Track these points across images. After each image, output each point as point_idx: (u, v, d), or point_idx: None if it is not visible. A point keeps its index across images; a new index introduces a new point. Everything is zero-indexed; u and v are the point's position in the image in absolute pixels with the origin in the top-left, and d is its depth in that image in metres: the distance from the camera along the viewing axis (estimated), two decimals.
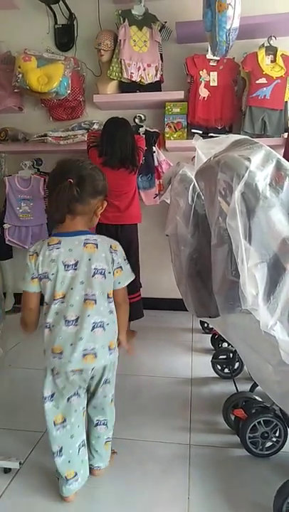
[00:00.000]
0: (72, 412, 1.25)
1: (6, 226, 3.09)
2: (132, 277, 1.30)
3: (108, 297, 1.23)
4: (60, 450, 1.24)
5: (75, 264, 1.18)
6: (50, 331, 1.20)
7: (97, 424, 1.32)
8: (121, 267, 1.25)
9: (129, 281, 1.29)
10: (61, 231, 1.21)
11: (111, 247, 1.24)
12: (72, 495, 1.26)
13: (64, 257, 1.18)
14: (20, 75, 2.77)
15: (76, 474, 1.25)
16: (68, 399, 1.24)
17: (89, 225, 1.25)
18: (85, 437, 1.31)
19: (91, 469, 1.34)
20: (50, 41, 3.13)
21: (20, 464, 1.39)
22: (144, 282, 2.74)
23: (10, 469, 1.39)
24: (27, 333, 1.33)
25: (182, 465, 1.44)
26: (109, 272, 1.22)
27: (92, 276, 1.19)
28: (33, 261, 1.20)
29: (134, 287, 2.55)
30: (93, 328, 1.19)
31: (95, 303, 1.19)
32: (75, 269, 1.18)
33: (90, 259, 1.19)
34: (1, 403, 1.89)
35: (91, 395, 1.30)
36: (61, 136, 2.95)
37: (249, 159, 1.04)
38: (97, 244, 1.21)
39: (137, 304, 2.59)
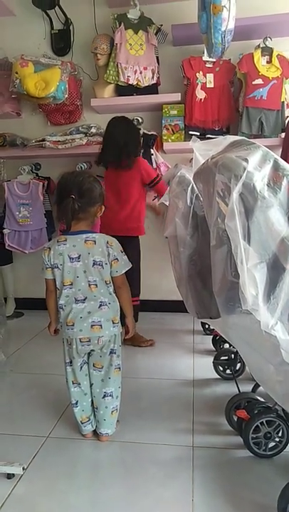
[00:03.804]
0: (84, 377, 1.56)
1: (5, 231, 3.09)
2: (129, 266, 1.54)
3: (106, 283, 1.50)
4: (76, 403, 1.57)
5: (78, 257, 1.47)
6: (63, 310, 1.51)
7: (104, 396, 1.55)
8: (117, 259, 1.50)
9: (126, 270, 1.54)
10: (68, 231, 1.50)
11: (107, 242, 1.50)
12: (89, 433, 1.61)
13: (69, 251, 1.47)
14: (17, 81, 2.78)
15: (89, 419, 1.59)
16: (81, 367, 1.55)
17: (90, 225, 1.53)
18: (90, 401, 1.59)
19: (100, 436, 1.59)
20: (47, 46, 3.15)
21: (23, 469, 1.39)
22: (144, 284, 2.75)
23: (13, 475, 1.38)
24: (52, 327, 1.63)
25: (185, 467, 1.43)
26: (106, 263, 1.48)
27: (92, 266, 1.47)
28: (46, 254, 1.50)
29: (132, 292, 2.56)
30: (100, 305, 1.49)
31: (97, 286, 1.49)
32: (79, 261, 1.47)
33: (89, 253, 1.47)
34: (3, 408, 1.89)
35: (100, 367, 1.55)
36: (59, 141, 2.96)
37: (246, 160, 1.04)
38: (95, 241, 1.48)
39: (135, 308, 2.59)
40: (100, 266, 1.47)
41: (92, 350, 1.52)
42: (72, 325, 1.48)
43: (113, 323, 1.51)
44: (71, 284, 1.48)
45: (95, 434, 1.62)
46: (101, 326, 1.48)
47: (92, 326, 1.48)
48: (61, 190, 1.48)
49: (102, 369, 1.54)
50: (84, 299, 1.48)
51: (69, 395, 1.58)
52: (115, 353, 1.54)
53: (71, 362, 1.55)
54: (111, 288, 1.52)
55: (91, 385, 1.57)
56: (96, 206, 1.50)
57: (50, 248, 1.50)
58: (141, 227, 2.62)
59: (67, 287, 1.48)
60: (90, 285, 1.48)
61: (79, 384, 1.56)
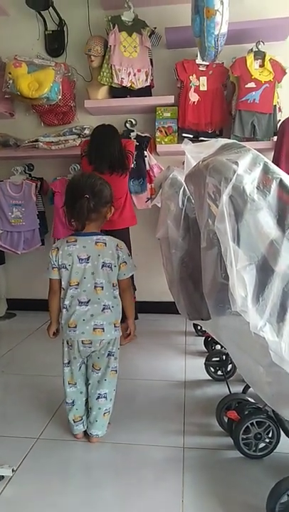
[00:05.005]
0: (81, 376, 1.58)
1: None
2: (134, 270, 1.59)
3: (113, 286, 1.52)
4: (73, 402, 1.58)
5: (88, 259, 1.49)
6: (66, 310, 1.51)
7: (98, 397, 1.56)
8: (125, 262, 1.54)
9: (132, 273, 1.57)
10: (79, 232, 1.52)
11: (117, 245, 1.53)
12: (80, 433, 1.60)
13: (78, 252, 1.49)
14: (10, 81, 2.78)
15: (81, 419, 1.60)
16: (79, 367, 1.57)
17: (100, 226, 1.56)
18: (84, 400, 1.60)
19: (90, 437, 1.59)
20: (41, 47, 3.15)
21: (13, 471, 1.38)
22: (136, 286, 2.75)
23: (3, 477, 1.38)
24: (51, 329, 1.61)
25: (176, 468, 1.44)
26: (115, 266, 1.51)
27: (101, 268, 1.49)
28: (54, 254, 1.51)
29: None
30: (103, 309, 1.50)
31: (102, 289, 1.49)
32: (88, 262, 1.49)
33: (99, 255, 1.49)
34: None
35: (98, 369, 1.55)
36: (52, 142, 2.96)
37: (237, 163, 1.05)
38: (105, 243, 1.51)
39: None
40: (109, 268, 1.50)
41: (93, 352, 1.54)
42: (75, 327, 1.49)
43: (114, 326, 1.53)
44: (77, 285, 1.49)
45: (86, 435, 1.61)
46: (103, 329, 1.49)
47: (94, 329, 1.49)
48: (73, 192, 1.50)
49: (100, 370, 1.56)
50: (87, 302, 1.49)
51: (65, 395, 1.59)
52: (113, 355, 1.56)
53: (69, 363, 1.56)
54: (116, 291, 1.53)
55: (88, 385, 1.59)
56: (107, 207, 1.53)
57: (58, 248, 1.51)
58: (134, 215, 2.75)
59: (72, 287, 1.49)
60: (95, 287, 1.49)
61: (75, 384, 1.58)
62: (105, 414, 1.58)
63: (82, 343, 1.50)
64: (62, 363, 1.58)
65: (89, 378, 1.58)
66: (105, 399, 1.57)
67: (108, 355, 1.55)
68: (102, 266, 1.49)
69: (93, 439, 1.59)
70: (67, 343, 1.54)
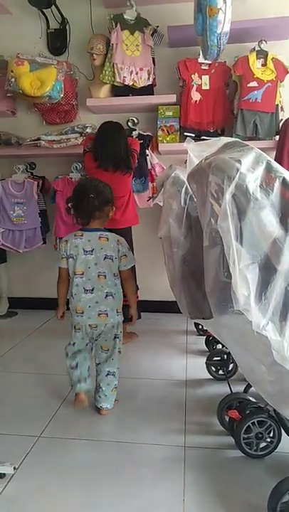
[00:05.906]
0: (86, 347, 1.78)
1: None
2: (134, 262, 1.81)
3: (114, 275, 1.74)
4: (76, 365, 1.76)
5: (92, 251, 1.71)
6: (73, 298, 1.73)
7: (108, 374, 1.78)
8: (125, 255, 1.77)
9: (132, 265, 1.79)
10: (85, 228, 1.75)
11: (118, 241, 1.76)
12: (82, 393, 1.76)
13: (84, 245, 1.71)
14: (13, 79, 2.77)
15: (85, 379, 1.78)
16: (86, 344, 1.78)
17: (103, 224, 1.78)
18: (88, 366, 1.80)
19: (100, 409, 1.77)
20: (43, 45, 3.14)
21: (14, 468, 1.38)
22: (138, 285, 2.75)
23: (4, 474, 1.38)
24: (59, 312, 1.82)
25: (177, 467, 1.44)
26: (116, 258, 1.74)
27: (104, 259, 1.71)
28: (63, 246, 1.74)
29: None
30: (106, 296, 1.72)
31: (105, 277, 1.72)
32: (91, 254, 1.71)
33: (102, 248, 1.72)
34: None
35: (105, 351, 1.77)
36: (54, 140, 2.96)
37: (240, 161, 1.05)
38: (108, 238, 1.74)
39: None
40: (110, 260, 1.72)
41: (100, 335, 1.74)
42: (82, 313, 1.71)
43: (117, 312, 1.75)
44: (82, 274, 1.71)
45: (94, 411, 1.65)
46: (107, 314, 1.72)
47: (99, 314, 1.71)
48: (79, 192, 1.73)
49: (108, 351, 1.77)
50: (92, 289, 1.71)
51: (69, 361, 1.76)
52: (118, 337, 1.78)
53: (75, 344, 1.76)
54: (117, 280, 1.75)
55: (98, 364, 1.79)
56: (109, 206, 1.75)
57: (67, 241, 1.74)
58: (136, 214, 2.73)
59: (78, 276, 1.71)
60: (99, 276, 1.71)
61: (79, 351, 1.76)
62: (113, 390, 1.78)
63: (90, 326, 1.72)
64: (69, 343, 1.77)
65: (98, 358, 1.78)
66: (113, 376, 1.77)
67: (114, 337, 1.76)
68: (105, 258, 1.70)
69: (103, 411, 1.76)
70: (75, 327, 1.75)
